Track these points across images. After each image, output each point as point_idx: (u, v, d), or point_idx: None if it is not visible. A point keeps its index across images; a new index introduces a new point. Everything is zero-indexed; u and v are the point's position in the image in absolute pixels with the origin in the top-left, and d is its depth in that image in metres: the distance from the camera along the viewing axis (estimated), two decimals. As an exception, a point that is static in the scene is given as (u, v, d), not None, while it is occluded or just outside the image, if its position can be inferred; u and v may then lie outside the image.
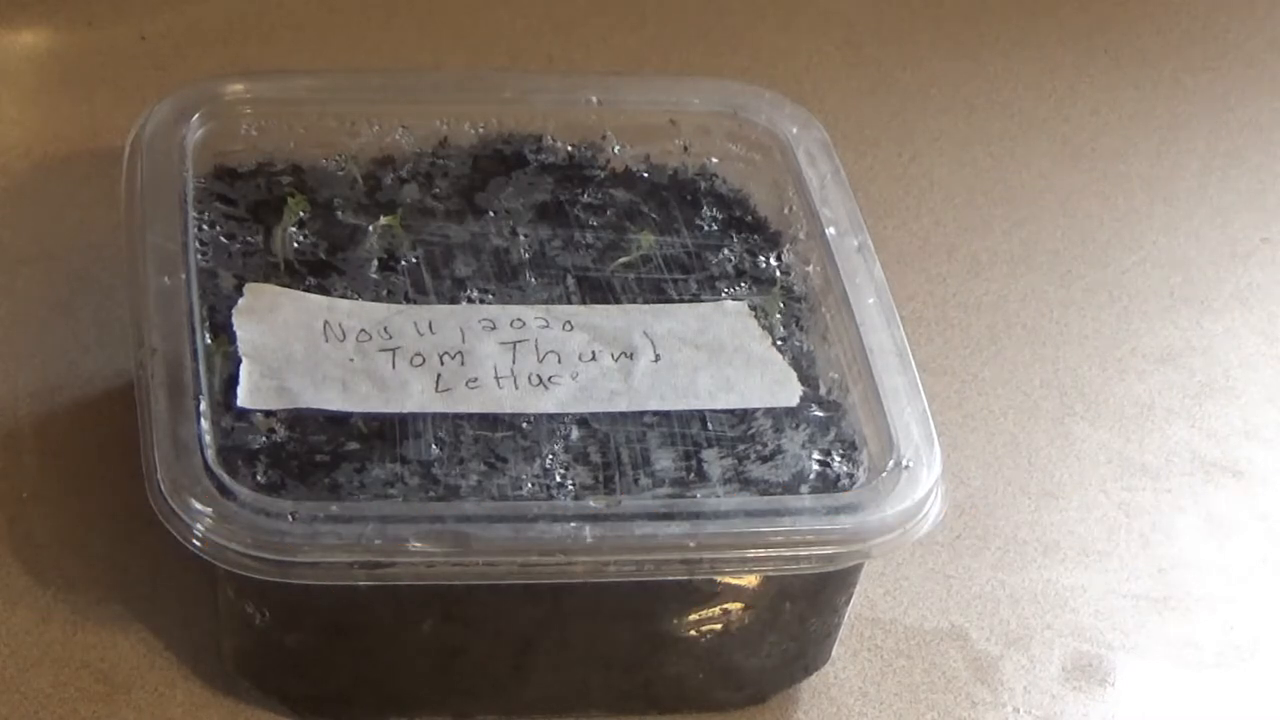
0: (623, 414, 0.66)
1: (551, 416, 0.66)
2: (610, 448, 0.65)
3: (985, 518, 0.77)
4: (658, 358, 0.68)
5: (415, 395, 0.65)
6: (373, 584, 0.61)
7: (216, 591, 0.65)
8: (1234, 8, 1.06)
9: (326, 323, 0.68)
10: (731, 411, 0.67)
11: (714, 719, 0.69)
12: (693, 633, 0.66)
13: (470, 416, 0.65)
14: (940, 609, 0.73)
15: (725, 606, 0.65)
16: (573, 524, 0.61)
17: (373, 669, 0.66)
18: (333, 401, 0.65)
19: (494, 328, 0.68)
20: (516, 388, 0.66)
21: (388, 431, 0.64)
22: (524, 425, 0.65)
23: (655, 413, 0.67)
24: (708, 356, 0.69)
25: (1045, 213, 0.92)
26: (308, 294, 0.69)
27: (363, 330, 0.67)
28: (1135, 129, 0.98)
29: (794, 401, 0.68)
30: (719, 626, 0.66)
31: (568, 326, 0.69)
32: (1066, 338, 0.86)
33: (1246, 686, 0.73)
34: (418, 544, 0.60)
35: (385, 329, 0.67)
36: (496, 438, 0.65)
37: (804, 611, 0.67)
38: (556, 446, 0.65)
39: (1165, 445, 0.81)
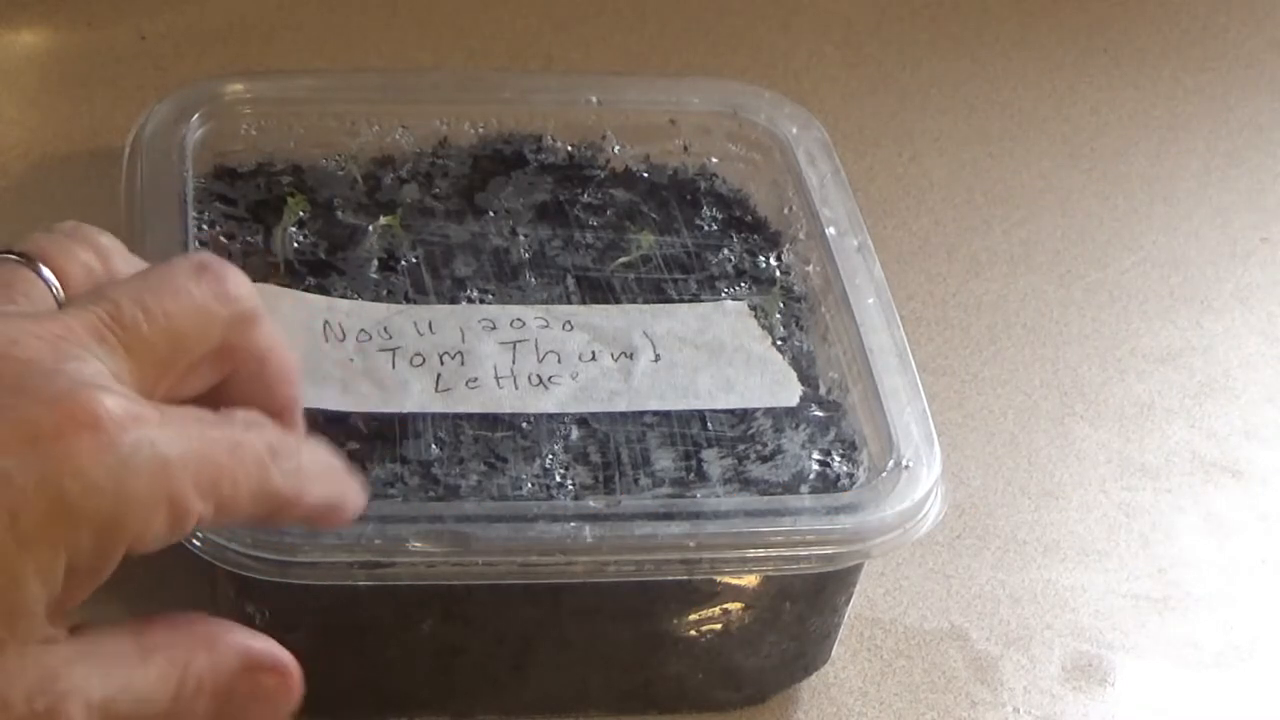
0: (622, 414, 0.66)
1: (551, 416, 0.66)
2: (610, 448, 0.65)
3: (985, 518, 0.77)
4: (658, 358, 0.68)
5: (415, 395, 0.65)
6: (373, 584, 0.61)
7: (216, 591, 0.65)
8: (1234, 8, 1.06)
9: (326, 322, 0.68)
10: (731, 411, 0.67)
11: (714, 719, 0.69)
12: (693, 633, 0.66)
13: (470, 416, 0.65)
14: (940, 609, 0.73)
15: (725, 606, 0.65)
16: (572, 524, 0.61)
17: (373, 669, 0.65)
18: (332, 401, 0.65)
19: (494, 328, 0.68)
20: (516, 388, 0.66)
21: (388, 431, 0.64)
22: (524, 425, 0.65)
23: (655, 413, 0.67)
24: (708, 356, 0.69)
25: (1045, 213, 0.92)
26: (307, 294, 0.69)
27: (363, 330, 0.67)
28: (1135, 129, 0.98)
29: (794, 401, 0.68)
30: (719, 626, 0.66)
31: (567, 326, 0.69)
32: (1066, 338, 0.86)
33: (1246, 686, 0.73)
34: (417, 544, 0.60)
35: (385, 329, 0.67)
36: (496, 438, 0.65)
37: (804, 611, 0.67)
38: (556, 446, 0.65)
39: (1165, 445, 0.81)
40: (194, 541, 0.61)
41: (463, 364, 0.67)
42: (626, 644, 0.66)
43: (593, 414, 0.66)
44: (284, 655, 0.47)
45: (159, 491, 0.43)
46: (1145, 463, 0.80)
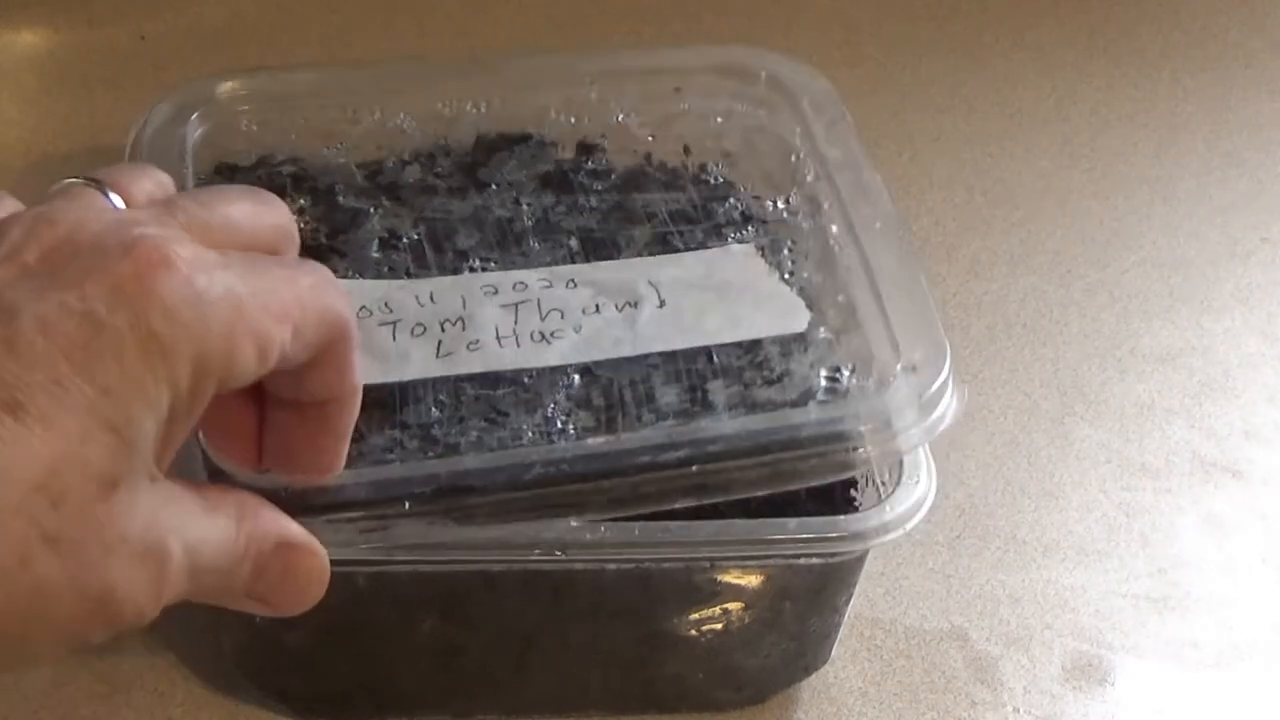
0: (627, 359, 0.64)
1: (554, 369, 0.64)
2: (613, 391, 0.63)
3: (985, 518, 0.77)
4: (663, 303, 0.66)
5: (415, 363, 0.64)
6: (371, 577, 0.61)
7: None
8: (1234, 8, 1.06)
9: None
10: (739, 344, 0.65)
11: (714, 719, 0.69)
12: (693, 632, 0.66)
13: (472, 377, 0.64)
14: (940, 609, 0.73)
15: (725, 606, 0.65)
16: (573, 494, 0.60)
17: (373, 669, 0.65)
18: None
19: (495, 292, 0.67)
20: (519, 345, 0.64)
21: (387, 400, 0.63)
22: (525, 380, 0.63)
23: (660, 353, 0.65)
24: (715, 297, 0.67)
25: (1045, 213, 0.92)
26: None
27: (363, 307, 0.66)
28: (1135, 129, 0.98)
29: (802, 326, 0.66)
30: (719, 626, 0.66)
31: (571, 284, 0.67)
32: (1066, 338, 0.86)
33: (1246, 686, 0.73)
34: (413, 503, 0.58)
35: (385, 303, 0.66)
36: (498, 394, 0.63)
37: (804, 611, 0.67)
38: (559, 395, 0.63)
39: (1165, 445, 0.81)
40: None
41: (464, 329, 0.65)
42: (626, 644, 0.66)
43: (596, 362, 0.64)
44: (315, 541, 0.51)
45: (242, 324, 0.46)
46: (1145, 463, 0.80)
